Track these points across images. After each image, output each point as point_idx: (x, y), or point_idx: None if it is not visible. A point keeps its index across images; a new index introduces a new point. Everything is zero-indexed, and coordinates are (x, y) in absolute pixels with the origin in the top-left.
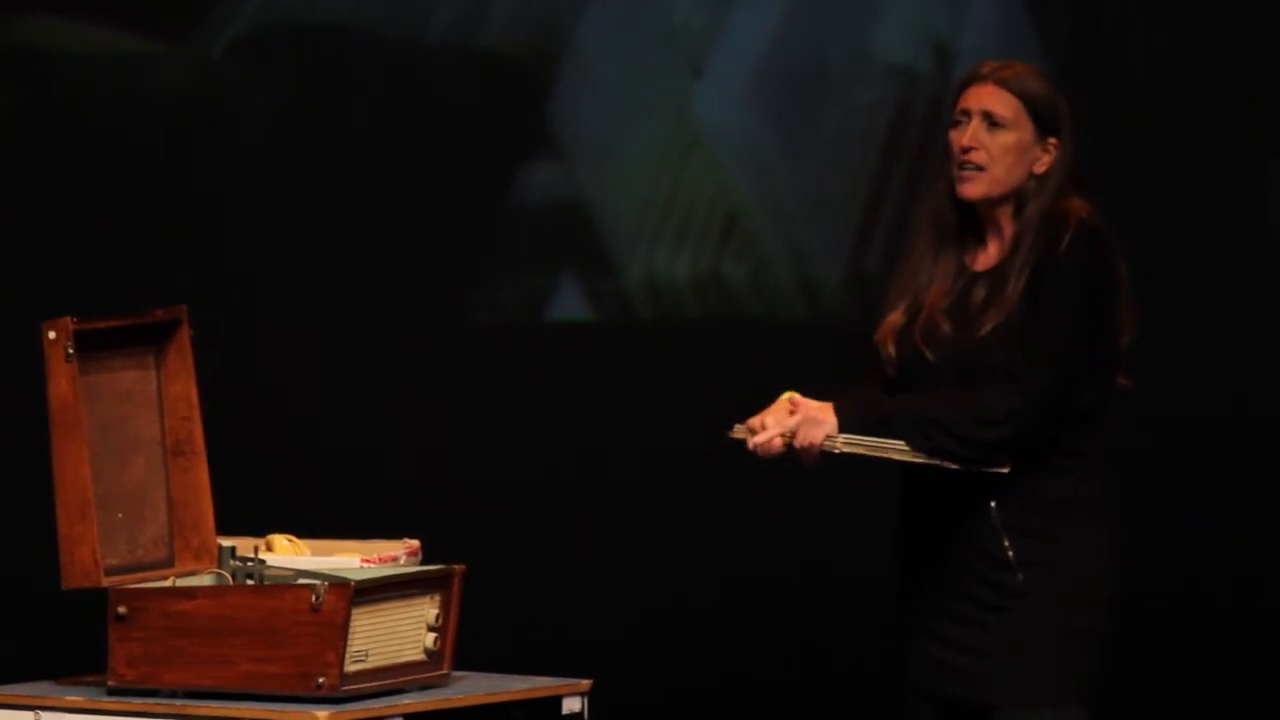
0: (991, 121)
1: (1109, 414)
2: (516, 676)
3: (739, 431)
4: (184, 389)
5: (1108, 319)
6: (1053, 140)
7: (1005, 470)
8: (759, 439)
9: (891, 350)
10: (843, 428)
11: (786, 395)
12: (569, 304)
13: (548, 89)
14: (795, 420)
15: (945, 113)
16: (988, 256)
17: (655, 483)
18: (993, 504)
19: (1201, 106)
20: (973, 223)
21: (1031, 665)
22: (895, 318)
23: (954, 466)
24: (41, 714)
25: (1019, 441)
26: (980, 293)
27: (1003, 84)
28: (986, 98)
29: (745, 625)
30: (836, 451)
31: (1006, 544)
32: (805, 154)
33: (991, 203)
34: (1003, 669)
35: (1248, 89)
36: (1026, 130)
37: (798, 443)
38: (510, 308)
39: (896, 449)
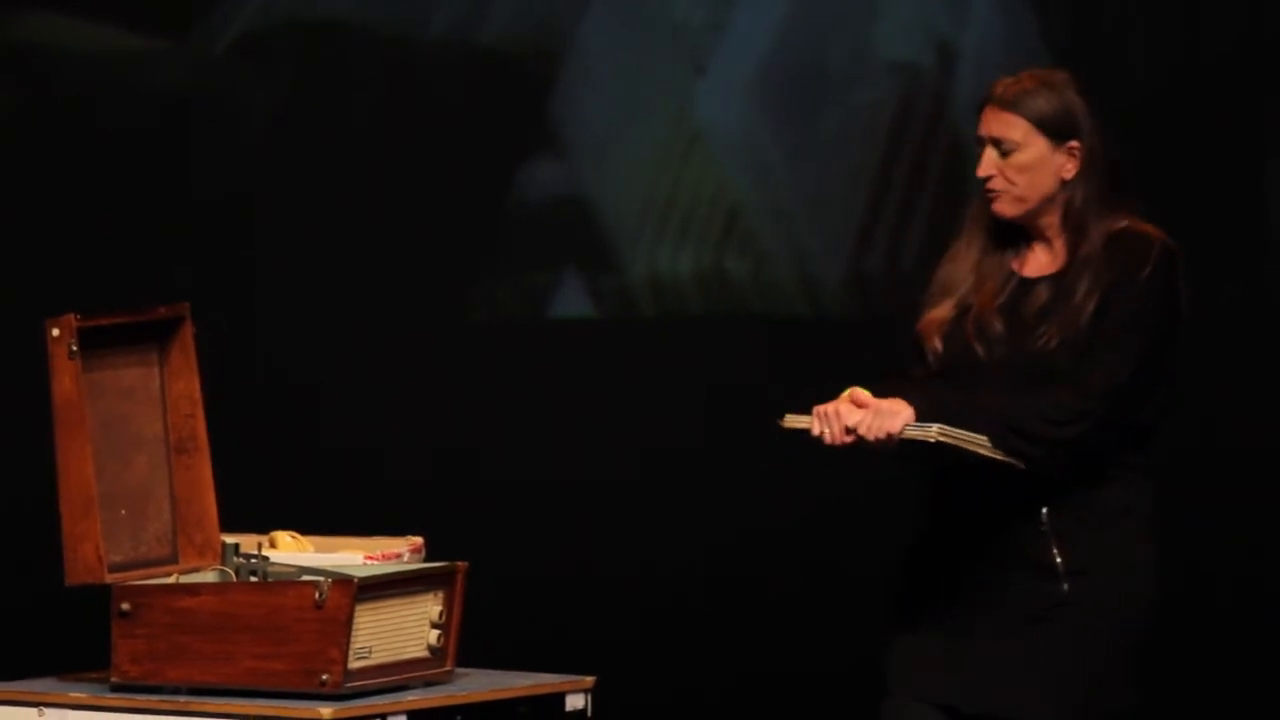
0: (1002, 148)
1: (1163, 431)
2: (520, 673)
3: (793, 421)
4: (187, 386)
5: (1173, 340)
6: (1074, 143)
7: (1064, 478)
8: (828, 429)
9: (938, 344)
10: (919, 418)
11: (849, 391)
12: (571, 301)
13: (549, 87)
14: (865, 412)
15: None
16: (1038, 263)
17: (658, 480)
18: (1044, 510)
19: (1201, 106)
20: (1017, 228)
21: (1071, 685)
22: (941, 312)
23: (1021, 466)
24: (45, 710)
25: (1085, 445)
26: (1038, 299)
27: (1006, 106)
28: (995, 124)
29: (748, 623)
30: (931, 441)
31: (1055, 551)
32: (806, 152)
33: (1030, 215)
34: (1041, 686)
35: (1248, 89)
36: (1039, 145)
37: (871, 433)
38: (512, 305)
39: (981, 444)
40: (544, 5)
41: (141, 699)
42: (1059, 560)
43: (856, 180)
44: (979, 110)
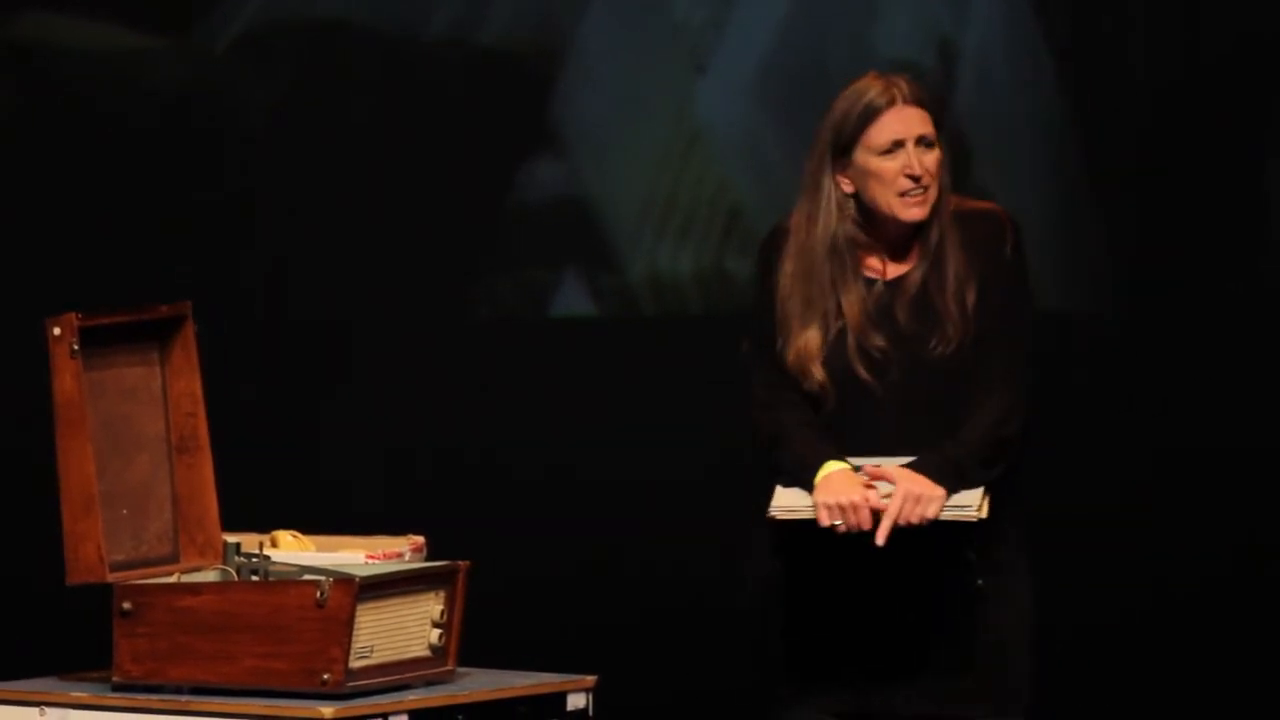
0: (926, 144)
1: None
2: (521, 673)
3: (785, 513)
4: (188, 385)
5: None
6: (940, 140)
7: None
8: (850, 519)
9: (818, 372)
10: (952, 491)
11: (844, 468)
12: (572, 300)
13: (549, 86)
14: (896, 501)
15: (836, 144)
16: (894, 264)
17: (659, 479)
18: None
19: (1201, 106)
20: (854, 236)
21: (1005, 676)
22: (811, 337)
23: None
24: (46, 710)
25: (1021, 438)
26: (908, 299)
27: (916, 103)
28: (915, 122)
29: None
30: (974, 521)
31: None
32: (807, 150)
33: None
34: (980, 680)
35: (1248, 89)
36: (940, 141)
37: (906, 520)
38: (513, 305)
39: (980, 499)
40: (544, 5)
41: (143, 698)
42: (972, 557)
43: None
44: (872, 117)
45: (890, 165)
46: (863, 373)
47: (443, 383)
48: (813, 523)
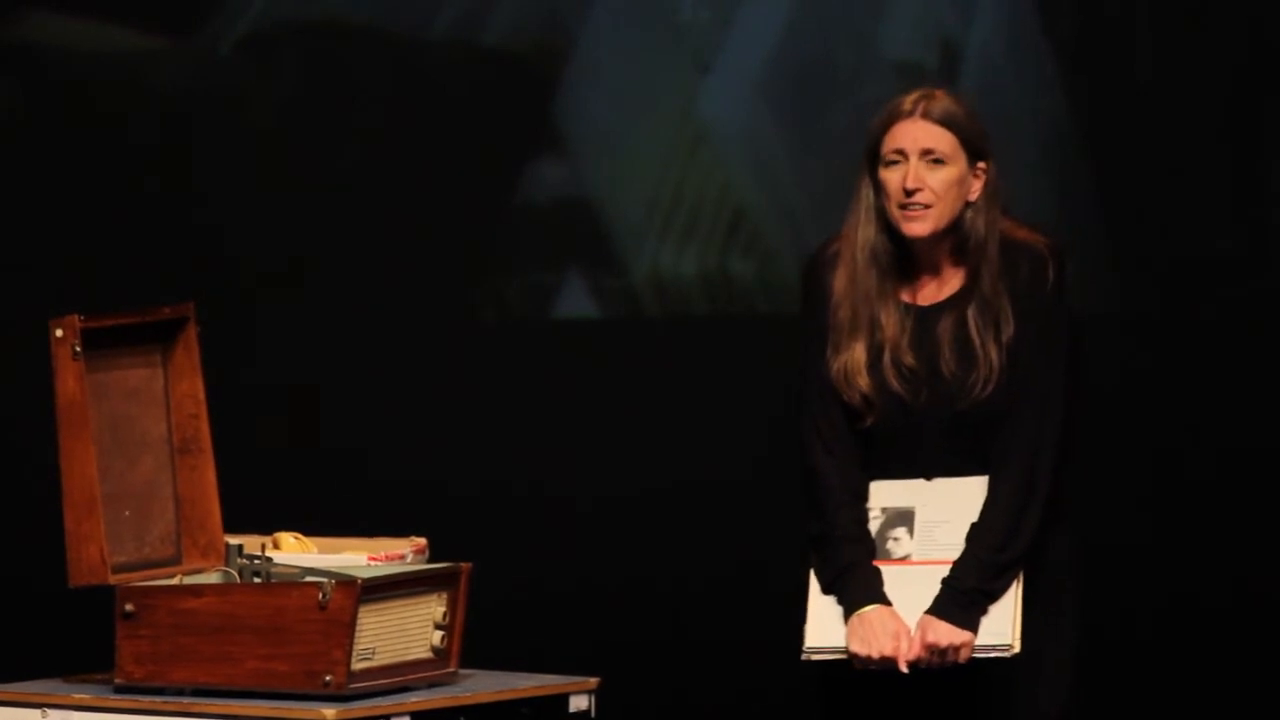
0: (933, 159)
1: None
2: (523, 674)
3: (819, 655)
4: (191, 387)
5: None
6: (982, 164)
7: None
8: (885, 664)
9: (865, 386)
10: (980, 631)
11: (879, 611)
12: (575, 301)
13: (553, 86)
14: (925, 656)
15: (868, 151)
16: (929, 291)
17: (662, 480)
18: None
19: (1203, 106)
20: (894, 256)
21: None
22: (857, 353)
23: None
24: (49, 712)
25: (1047, 495)
26: (943, 330)
27: (933, 119)
28: (922, 136)
29: (751, 625)
30: (1009, 656)
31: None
32: (811, 151)
33: (933, 238)
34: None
35: (1249, 89)
36: (961, 161)
37: (939, 665)
38: (516, 305)
39: (1010, 640)
40: (548, 4)
41: (145, 700)
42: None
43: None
44: (886, 126)
45: (892, 176)
46: (898, 389)
47: (445, 383)
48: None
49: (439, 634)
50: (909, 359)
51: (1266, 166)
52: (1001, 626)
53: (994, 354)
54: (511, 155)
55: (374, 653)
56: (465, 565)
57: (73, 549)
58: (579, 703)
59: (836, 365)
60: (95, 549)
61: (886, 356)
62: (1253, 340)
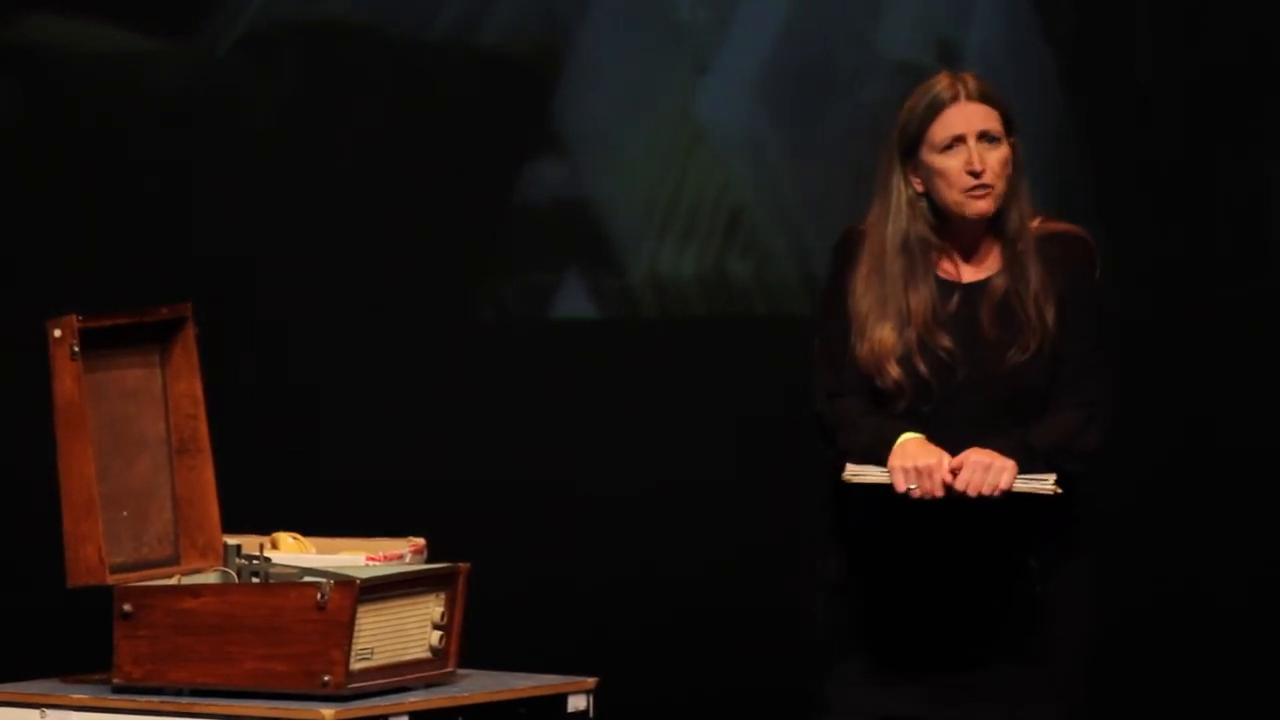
0: (990, 139)
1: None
2: (522, 674)
3: (859, 475)
4: (189, 387)
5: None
6: (1013, 139)
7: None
8: (923, 484)
9: (894, 370)
10: (1021, 468)
11: (919, 437)
12: (573, 301)
13: (551, 86)
14: (969, 469)
15: (904, 143)
16: (972, 268)
17: (659, 481)
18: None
19: (1203, 106)
20: (928, 237)
21: (1067, 675)
22: (885, 335)
23: (1058, 493)
24: (47, 712)
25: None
26: (990, 304)
27: (987, 100)
28: (976, 117)
29: (751, 626)
30: (1048, 494)
31: (1036, 581)
32: (810, 152)
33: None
34: (1040, 685)
35: (1249, 89)
36: (1006, 141)
37: (975, 490)
38: (514, 306)
39: (1048, 482)
40: (546, 5)
41: (143, 700)
42: (1039, 589)
43: (860, 179)
44: (936, 112)
45: (952, 162)
46: (926, 373)
47: (443, 383)
48: (888, 489)
49: (437, 634)
50: (944, 340)
51: (1266, 167)
52: (1043, 475)
53: (1035, 323)
54: (510, 156)
55: (372, 653)
56: (463, 565)
57: (71, 549)
58: (577, 703)
59: (865, 351)
60: (93, 549)
61: (914, 339)
62: (1253, 340)
